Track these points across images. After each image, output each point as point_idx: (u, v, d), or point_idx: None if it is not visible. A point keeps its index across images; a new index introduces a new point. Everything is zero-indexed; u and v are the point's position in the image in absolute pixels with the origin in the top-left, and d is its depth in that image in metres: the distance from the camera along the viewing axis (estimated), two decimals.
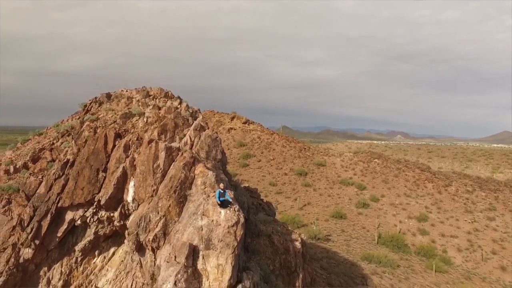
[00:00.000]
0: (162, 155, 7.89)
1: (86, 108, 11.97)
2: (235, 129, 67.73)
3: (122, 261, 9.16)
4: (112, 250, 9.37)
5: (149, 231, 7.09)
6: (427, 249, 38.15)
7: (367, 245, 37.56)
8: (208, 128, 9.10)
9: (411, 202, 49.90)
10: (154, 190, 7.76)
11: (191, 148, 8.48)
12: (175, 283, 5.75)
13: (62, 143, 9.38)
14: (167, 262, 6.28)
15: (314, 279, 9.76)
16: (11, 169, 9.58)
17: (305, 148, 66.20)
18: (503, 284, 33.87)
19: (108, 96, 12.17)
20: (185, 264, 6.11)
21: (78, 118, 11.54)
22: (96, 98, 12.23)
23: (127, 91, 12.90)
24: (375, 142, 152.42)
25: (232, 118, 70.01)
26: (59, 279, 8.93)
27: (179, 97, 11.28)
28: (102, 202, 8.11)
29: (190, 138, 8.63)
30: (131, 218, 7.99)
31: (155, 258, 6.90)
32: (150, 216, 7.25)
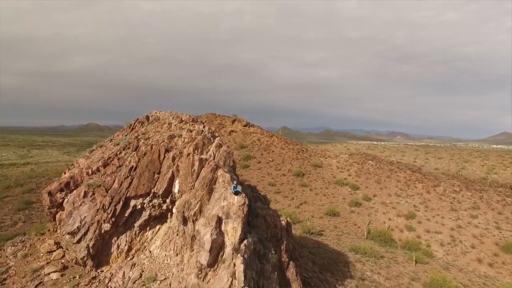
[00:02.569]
0: (196, 163, 12.69)
1: (131, 127, 16.82)
2: (236, 132, 72.37)
3: (165, 233, 13.94)
4: (158, 226, 14.15)
5: (191, 210, 11.84)
6: (411, 243, 42.94)
7: (356, 239, 42.32)
8: (224, 145, 13.94)
9: (401, 201, 54.66)
10: (192, 185, 12.52)
11: (214, 159, 13.23)
12: (210, 235, 10.55)
13: (125, 154, 14.15)
14: (204, 226, 11.06)
15: (295, 248, 14.53)
16: (90, 172, 14.34)
17: (302, 150, 70.90)
18: (477, 274, 38.64)
19: (147, 117, 16.99)
20: (215, 226, 10.92)
21: (127, 135, 16.42)
22: (138, 119, 17.02)
23: (160, 113, 17.74)
24: (374, 143, 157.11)
25: (233, 121, 74.69)
26: (125, 245, 13.76)
27: (202, 122, 16.07)
28: (160, 193, 12.87)
29: (213, 152, 13.41)
30: (177, 202, 12.74)
31: (194, 226, 11.67)
32: (191, 201, 12.02)
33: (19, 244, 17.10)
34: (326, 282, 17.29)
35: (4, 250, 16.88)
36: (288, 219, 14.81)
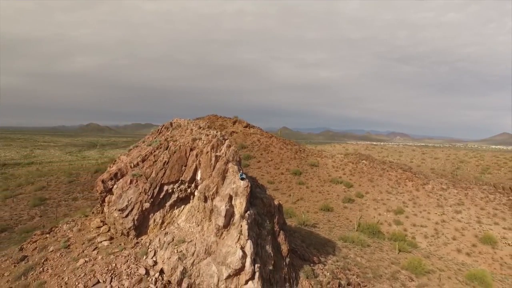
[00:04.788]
0: (213, 159, 18.05)
1: (159, 131, 22.27)
2: (236, 133, 77.76)
3: (188, 211, 19.33)
4: (182, 206, 19.51)
5: (210, 191, 17.16)
6: (398, 235, 48.39)
7: (347, 231, 47.70)
8: (233, 145, 19.33)
9: (391, 198, 60.15)
10: (210, 174, 17.84)
11: (225, 155, 18.59)
12: (225, 206, 15.92)
13: (158, 152, 19.51)
14: (220, 201, 16.39)
15: (285, 223, 19.91)
16: (132, 165, 19.71)
17: (300, 150, 76.32)
18: (455, 262, 44.06)
19: (171, 124, 22.43)
20: (227, 201, 16.25)
21: (156, 138, 21.87)
22: (163, 125, 22.47)
23: (180, 120, 23.18)
24: (374, 143, 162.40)
25: (234, 122, 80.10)
26: (159, 219, 19.15)
27: (215, 128, 21.39)
28: (186, 180, 18.22)
29: (225, 151, 18.74)
30: (199, 186, 18.06)
31: (212, 202, 17.02)
32: (210, 185, 17.36)
33: (71, 222, 22.53)
34: (310, 253, 22.72)
35: (60, 226, 22.29)
36: (280, 201, 20.24)
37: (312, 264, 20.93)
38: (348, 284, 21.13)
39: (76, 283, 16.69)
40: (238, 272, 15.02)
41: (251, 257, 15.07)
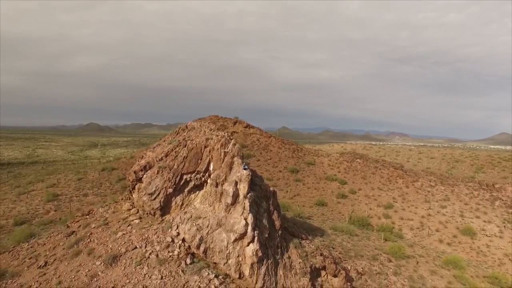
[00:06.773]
0: (222, 154, 23.93)
1: (176, 132, 28.25)
2: (237, 133, 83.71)
3: (202, 195, 25.29)
4: (197, 192, 25.45)
5: (220, 178, 22.98)
6: (385, 227, 54.35)
7: (339, 223, 53.61)
8: (237, 143, 25.31)
9: (382, 194, 66.09)
10: (220, 165, 23.68)
11: (231, 151, 24.55)
12: (232, 189, 21.74)
13: (178, 149, 25.43)
14: (228, 186, 22.20)
15: (279, 206, 25.98)
16: (157, 159, 25.65)
17: (298, 150, 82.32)
18: (436, 250, 50.02)
19: (186, 126, 28.43)
20: (234, 185, 22.03)
21: (174, 138, 27.87)
22: (180, 127, 28.47)
23: (194, 123, 29.18)
24: (373, 143, 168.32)
25: (235, 123, 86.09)
26: (179, 202, 25.10)
27: (222, 130, 27.18)
28: (201, 171, 24.19)
29: (231, 148, 24.71)
30: (212, 175, 23.96)
31: (222, 187, 22.91)
32: (220, 174, 23.19)
33: (105, 206, 28.52)
34: (300, 232, 28.71)
35: (97, 210, 28.28)
36: (274, 188, 26.25)
37: (300, 239, 26.91)
38: (330, 255, 27.07)
39: (119, 248, 22.67)
40: (242, 236, 21.02)
41: (251, 226, 21.05)
